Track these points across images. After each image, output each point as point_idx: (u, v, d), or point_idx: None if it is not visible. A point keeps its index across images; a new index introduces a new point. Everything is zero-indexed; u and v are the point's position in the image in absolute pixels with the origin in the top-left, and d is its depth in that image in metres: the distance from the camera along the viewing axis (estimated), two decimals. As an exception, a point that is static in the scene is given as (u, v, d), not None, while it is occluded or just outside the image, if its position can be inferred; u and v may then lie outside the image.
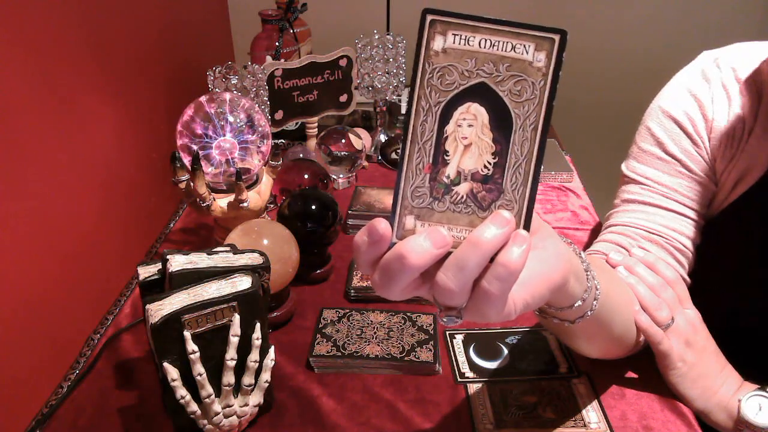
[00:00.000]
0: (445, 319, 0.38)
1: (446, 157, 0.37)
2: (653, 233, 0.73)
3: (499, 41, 0.35)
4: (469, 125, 0.36)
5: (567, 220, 1.06)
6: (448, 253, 0.37)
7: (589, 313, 0.52)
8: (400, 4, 1.63)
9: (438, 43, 0.35)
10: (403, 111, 1.46)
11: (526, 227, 0.37)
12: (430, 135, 0.36)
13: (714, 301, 0.72)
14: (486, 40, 0.35)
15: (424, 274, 0.37)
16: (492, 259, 0.36)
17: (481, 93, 0.36)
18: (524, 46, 0.35)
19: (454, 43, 0.35)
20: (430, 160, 0.37)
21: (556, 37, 0.35)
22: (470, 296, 0.37)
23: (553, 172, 1.18)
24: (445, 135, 0.36)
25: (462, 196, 0.37)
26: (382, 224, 0.37)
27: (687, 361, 0.66)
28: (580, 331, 0.58)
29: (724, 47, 0.75)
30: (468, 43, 0.35)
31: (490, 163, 0.37)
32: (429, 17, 0.35)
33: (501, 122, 0.36)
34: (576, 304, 0.49)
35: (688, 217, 0.73)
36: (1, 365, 0.63)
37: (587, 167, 1.27)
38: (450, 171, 0.37)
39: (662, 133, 0.75)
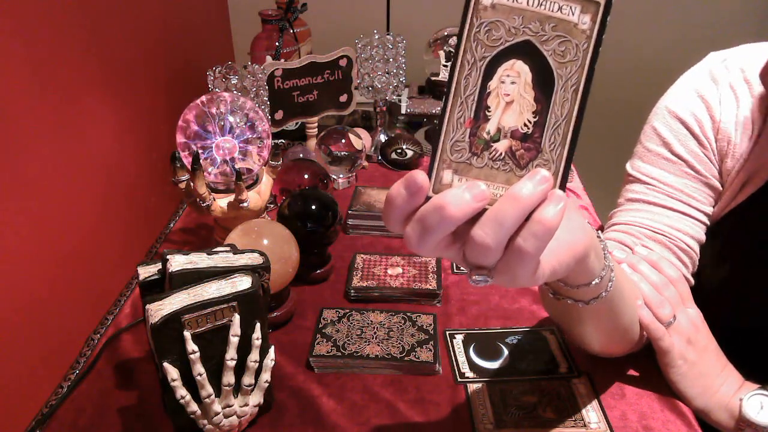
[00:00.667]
0: (475, 277, 0.38)
1: (488, 113, 0.37)
2: (657, 233, 0.72)
3: (546, 1, 0.35)
4: (512, 82, 0.36)
5: (567, 220, 1.05)
6: (483, 211, 0.37)
7: (603, 293, 0.52)
8: (400, 4, 1.63)
9: None
10: (404, 111, 1.46)
11: (562, 188, 0.37)
12: (473, 90, 0.36)
13: (717, 302, 0.72)
14: None
15: (456, 232, 0.37)
16: (527, 219, 0.37)
17: (526, 51, 0.36)
18: (570, 7, 0.36)
19: None
20: (472, 115, 0.37)
21: (602, 1, 0.35)
22: (503, 255, 0.37)
23: (553, 172, 1.17)
24: (488, 90, 0.36)
25: (501, 153, 0.37)
26: (420, 176, 0.36)
27: (688, 359, 0.66)
28: (591, 316, 0.58)
29: (732, 48, 0.75)
30: (517, 0, 0.36)
31: (530, 122, 0.37)
32: None
33: (543, 81, 0.36)
34: (594, 282, 0.50)
35: (694, 218, 0.73)
36: (1, 365, 0.63)
37: (587, 167, 1.27)
38: (491, 127, 0.37)
39: (668, 133, 0.75)
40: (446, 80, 0.37)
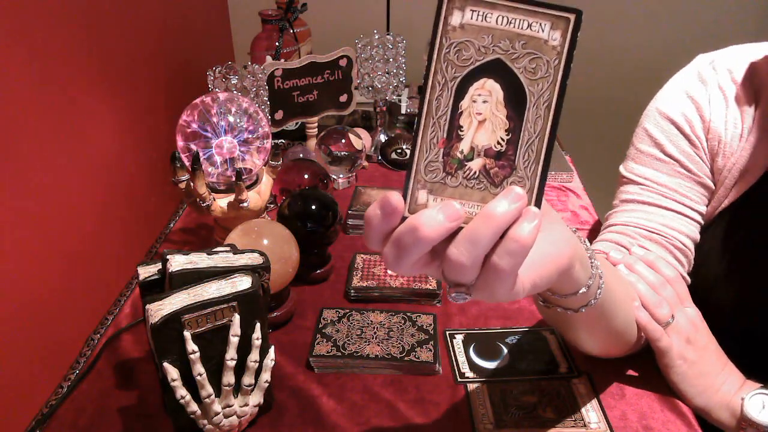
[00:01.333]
0: (454, 295, 0.38)
1: (460, 132, 0.37)
2: (653, 232, 0.73)
3: (515, 19, 0.36)
4: (484, 101, 0.37)
5: (567, 220, 1.05)
6: (459, 229, 0.37)
7: (593, 301, 0.52)
8: (400, 4, 1.62)
9: (456, 19, 0.36)
10: (404, 111, 1.45)
11: (537, 205, 0.38)
12: (444, 110, 0.37)
13: (713, 300, 0.72)
14: (503, 17, 0.36)
15: (434, 250, 0.37)
16: (503, 236, 0.37)
17: (497, 69, 0.36)
18: (540, 24, 0.36)
19: (471, 18, 0.36)
20: (444, 135, 0.37)
21: (572, 17, 0.36)
22: (480, 273, 0.37)
23: (553, 172, 1.18)
24: (459, 110, 0.37)
25: (475, 172, 0.37)
26: (395, 197, 0.37)
27: (688, 358, 0.66)
28: (583, 322, 0.58)
29: (720, 50, 0.76)
30: (485, 20, 0.36)
31: (503, 140, 0.37)
32: None
33: (515, 99, 0.37)
34: (581, 291, 0.49)
35: (688, 217, 0.74)
36: (1, 365, 0.63)
37: (587, 167, 1.27)
38: (464, 146, 0.37)
39: (660, 134, 0.75)
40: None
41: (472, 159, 0.37)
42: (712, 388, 0.66)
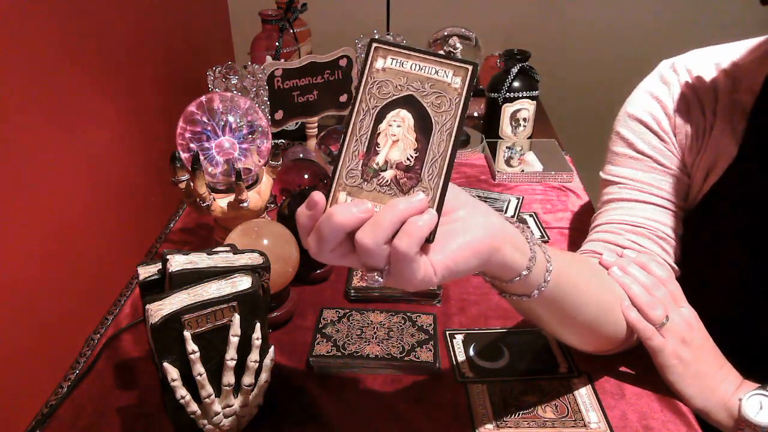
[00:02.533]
0: (367, 277, 0.45)
1: (377, 149, 0.45)
2: (637, 226, 0.75)
3: (426, 66, 0.46)
4: (398, 126, 0.45)
5: (567, 220, 1.06)
6: None
7: (543, 286, 0.54)
8: (400, 4, 1.63)
9: (379, 63, 0.46)
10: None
11: (438, 210, 0.45)
12: (366, 130, 0.45)
13: (699, 294, 0.72)
14: (416, 65, 0.46)
15: (351, 241, 0.43)
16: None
17: (410, 102, 0.46)
18: (445, 71, 0.46)
19: (391, 64, 0.46)
20: (364, 149, 0.45)
21: (470, 68, 0.45)
22: (390, 258, 0.43)
23: (553, 172, 1.18)
24: (378, 131, 0.45)
25: (387, 180, 0.45)
26: (317, 195, 0.44)
27: (683, 358, 0.66)
28: (547, 311, 0.60)
29: (681, 55, 0.80)
30: (402, 66, 0.46)
31: (412, 156, 0.45)
32: (374, 45, 0.46)
33: (423, 126, 0.45)
34: (522, 274, 0.52)
35: (667, 208, 0.76)
36: (1, 365, 0.63)
37: (587, 167, 1.27)
38: (379, 159, 0.45)
39: (631, 134, 0.79)
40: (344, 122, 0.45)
41: (385, 170, 0.45)
42: (710, 389, 0.66)
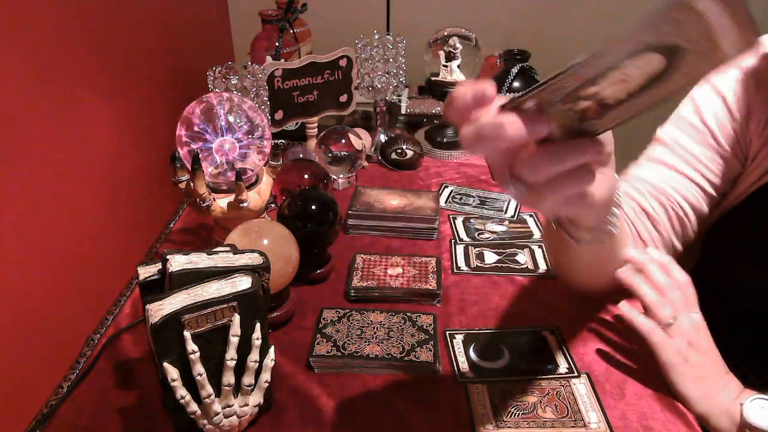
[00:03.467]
0: (512, 188, 0.44)
1: (600, 80, 0.38)
2: (660, 192, 0.76)
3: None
4: (638, 70, 0.37)
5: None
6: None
7: (598, 238, 0.61)
8: (400, 4, 1.63)
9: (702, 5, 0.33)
10: (404, 111, 1.45)
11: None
12: (615, 59, 0.36)
13: (737, 281, 0.73)
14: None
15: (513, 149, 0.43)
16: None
17: (671, 53, 0.35)
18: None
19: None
20: (592, 75, 0.38)
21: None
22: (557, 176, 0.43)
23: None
24: (619, 67, 0.37)
25: (579, 108, 0.41)
26: (489, 88, 0.41)
27: (689, 359, 0.67)
28: (590, 254, 0.67)
29: None
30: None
31: (618, 100, 0.40)
32: None
33: (651, 89, 0.38)
34: (598, 228, 0.59)
35: (700, 186, 0.76)
36: (1, 365, 0.63)
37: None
38: (593, 90, 0.39)
39: (704, 102, 0.77)
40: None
41: (588, 99, 0.40)
42: (712, 393, 0.66)
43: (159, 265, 0.63)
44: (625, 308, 0.71)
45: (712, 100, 0.77)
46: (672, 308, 0.68)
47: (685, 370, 0.67)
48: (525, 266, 0.92)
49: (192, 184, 0.81)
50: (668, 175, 0.77)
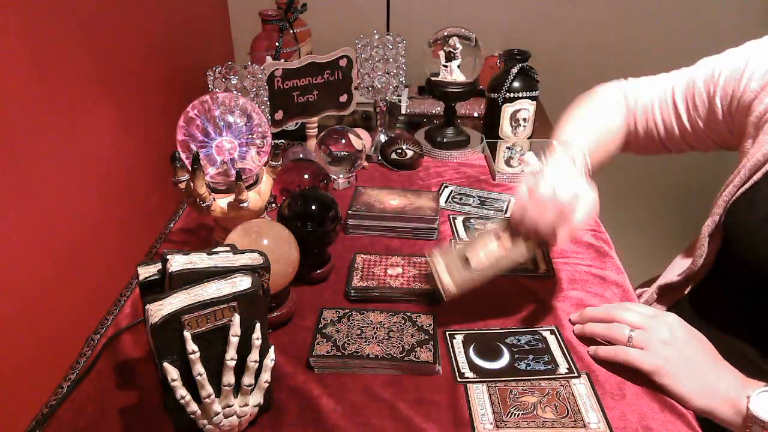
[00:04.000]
0: None
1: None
2: (653, 100, 0.92)
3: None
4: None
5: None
6: None
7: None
8: (400, 4, 1.63)
9: None
10: (404, 111, 1.45)
11: None
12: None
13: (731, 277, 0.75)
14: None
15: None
16: None
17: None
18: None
19: None
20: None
21: None
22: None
23: (553, 172, 1.18)
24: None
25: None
26: None
27: (668, 357, 0.68)
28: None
29: None
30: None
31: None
32: None
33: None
34: None
35: (674, 102, 0.89)
36: (1, 365, 0.64)
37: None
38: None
39: (738, 57, 0.83)
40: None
41: None
42: (709, 385, 0.66)
43: (159, 265, 0.63)
44: (591, 350, 0.75)
45: (745, 56, 0.81)
46: (621, 327, 0.73)
47: (671, 369, 0.67)
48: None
49: (192, 184, 0.81)
50: (659, 86, 0.92)
